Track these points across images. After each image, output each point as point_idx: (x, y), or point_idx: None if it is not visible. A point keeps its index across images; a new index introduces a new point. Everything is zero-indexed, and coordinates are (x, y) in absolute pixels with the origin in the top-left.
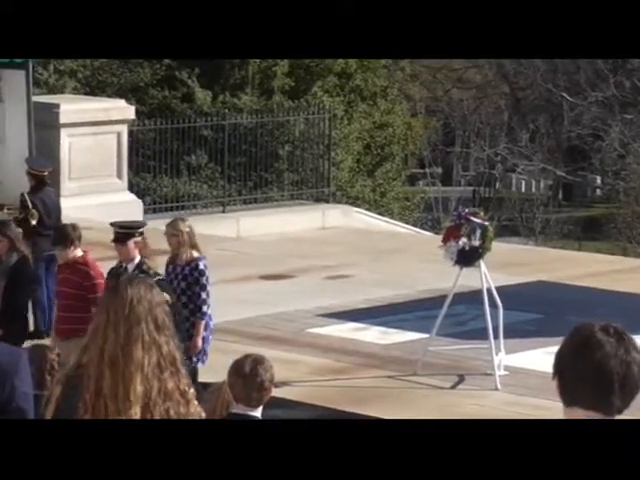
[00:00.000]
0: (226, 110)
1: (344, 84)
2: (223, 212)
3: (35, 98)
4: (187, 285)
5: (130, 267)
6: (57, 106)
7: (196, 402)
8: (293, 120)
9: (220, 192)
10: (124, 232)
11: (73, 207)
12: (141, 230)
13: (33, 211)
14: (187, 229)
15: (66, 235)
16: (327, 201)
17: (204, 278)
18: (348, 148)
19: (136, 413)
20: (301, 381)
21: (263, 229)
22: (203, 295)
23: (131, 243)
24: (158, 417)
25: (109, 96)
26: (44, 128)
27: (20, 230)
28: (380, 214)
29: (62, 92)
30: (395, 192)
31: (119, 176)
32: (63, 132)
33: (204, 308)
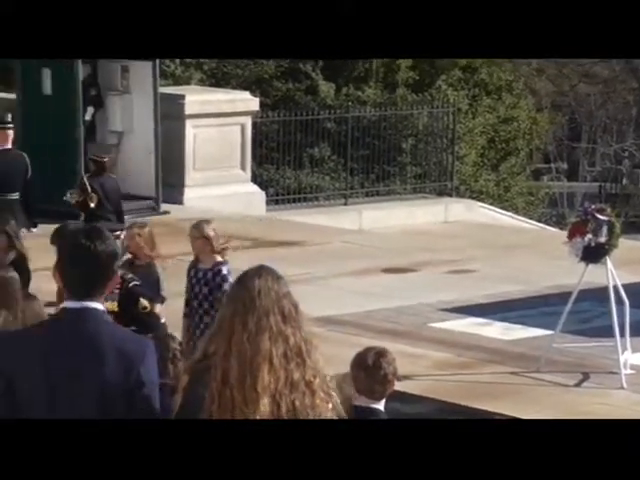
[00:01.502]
0: (349, 103)
1: (469, 78)
2: (345, 204)
3: (161, 89)
4: (209, 291)
5: None
6: (183, 97)
7: (322, 394)
8: (417, 114)
9: (342, 184)
10: None
11: (197, 197)
12: (117, 233)
13: (92, 194)
14: (212, 232)
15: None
16: (450, 195)
17: (227, 284)
18: (472, 142)
19: (264, 404)
20: (422, 375)
21: (385, 222)
22: None
23: None
24: (284, 408)
25: (234, 88)
26: (170, 119)
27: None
28: (504, 209)
29: (188, 83)
30: (519, 187)
31: (243, 167)
32: (188, 123)
33: None
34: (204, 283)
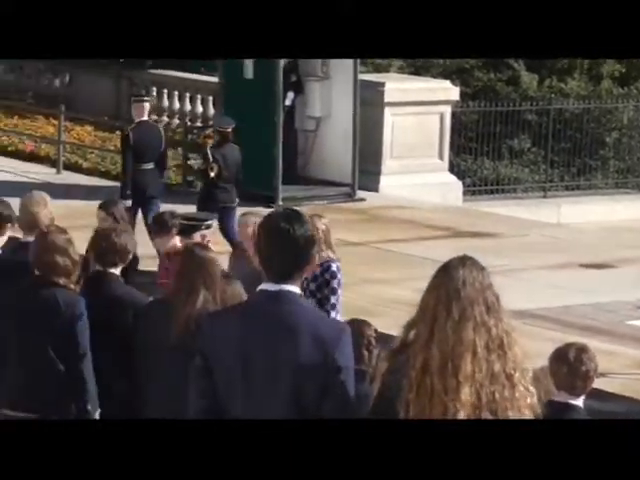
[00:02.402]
0: (552, 95)
1: None
2: (544, 197)
3: (361, 76)
4: (317, 287)
5: None
6: (382, 85)
7: (522, 387)
8: (622, 107)
9: (542, 177)
10: (189, 224)
11: (392, 185)
12: (209, 223)
13: (213, 164)
14: (323, 227)
15: (164, 222)
16: None
17: (335, 281)
18: None
19: (465, 393)
20: (619, 373)
21: (585, 217)
22: (332, 299)
23: (197, 236)
24: (484, 399)
25: (433, 77)
26: (368, 106)
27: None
28: None
29: (387, 71)
30: None
31: (440, 157)
32: (387, 110)
33: (332, 313)
34: (312, 279)
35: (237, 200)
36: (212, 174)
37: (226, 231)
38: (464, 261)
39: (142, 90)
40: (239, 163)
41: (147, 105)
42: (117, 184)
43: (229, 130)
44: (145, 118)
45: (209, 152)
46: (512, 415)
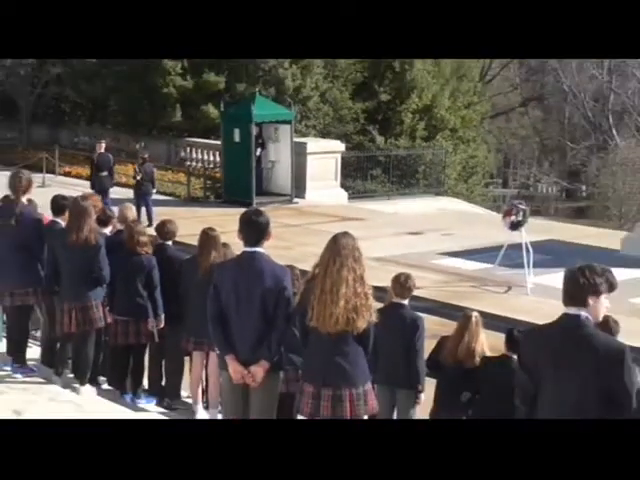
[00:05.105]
0: (391, 147)
1: None
2: (388, 199)
3: (295, 139)
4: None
5: None
6: (305, 144)
7: (372, 299)
8: (426, 153)
9: (386, 189)
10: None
11: (312, 195)
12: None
13: (139, 173)
14: (134, 214)
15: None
16: (442, 194)
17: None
18: None
19: (341, 304)
20: (424, 287)
21: (408, 209)
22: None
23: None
24: (351, 305)
25: (331, 139)
26: (299, 155)
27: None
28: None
29: (307, 136)
30: None
31: (336, 180)
32: (308, 157)
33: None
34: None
35: (154, 192)
36: (138, 177)
37: (149, 212)
38: (345, 234)
39: (181, 150)
40: (153, 173)
41: (103, 144)
42: None
43: (146, 156)
44: (102, 151)
45: (137, 167)
46: (365, 311)
